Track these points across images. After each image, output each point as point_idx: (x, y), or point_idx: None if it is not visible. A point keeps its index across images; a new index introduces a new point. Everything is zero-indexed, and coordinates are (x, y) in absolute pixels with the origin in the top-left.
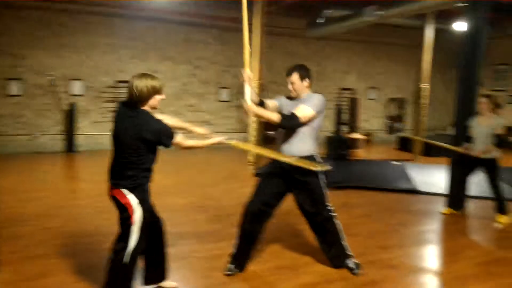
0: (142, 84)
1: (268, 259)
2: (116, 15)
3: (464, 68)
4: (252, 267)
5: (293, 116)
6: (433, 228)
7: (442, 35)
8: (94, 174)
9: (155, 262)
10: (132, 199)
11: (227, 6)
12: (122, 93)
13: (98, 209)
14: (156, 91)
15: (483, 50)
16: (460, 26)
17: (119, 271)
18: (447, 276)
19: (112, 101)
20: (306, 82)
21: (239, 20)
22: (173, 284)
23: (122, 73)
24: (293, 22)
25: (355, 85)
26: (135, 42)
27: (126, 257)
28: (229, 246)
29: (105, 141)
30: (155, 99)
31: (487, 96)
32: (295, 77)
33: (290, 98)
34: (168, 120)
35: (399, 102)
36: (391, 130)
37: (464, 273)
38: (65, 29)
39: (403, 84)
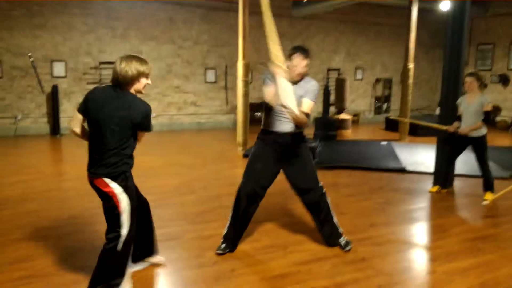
0: (127, 67)
1: (259, 238)
2: None
3: (449, 47)
4: (243, 246)
5: (308, 115)
6: (420, 206)
7: (428, 14)
8: (78, 156)
9: (144, 242)
10: (116, 188)
11: None
12: (105, 74)
13: (82, 191)
14: (141, 74)
15: (467, 29)
16: (445, 5)
17: (114, 259)
18: (434, 251)
19: (95, 83)
20: (306, 64)
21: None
22: (161, 258)
23: (104, 54)
24: (279, 1)
25: (342, 65)
26: (116, 22)
27: (120, 245)
28: (220, 226)
29: None
30: (141, 83)
31: (473, 74)
32: (299, 58)
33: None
34: None
35: (386, 82)
36: (378, 110)
37: (451, 249)
38: (41, 9)
39: (390, 64)
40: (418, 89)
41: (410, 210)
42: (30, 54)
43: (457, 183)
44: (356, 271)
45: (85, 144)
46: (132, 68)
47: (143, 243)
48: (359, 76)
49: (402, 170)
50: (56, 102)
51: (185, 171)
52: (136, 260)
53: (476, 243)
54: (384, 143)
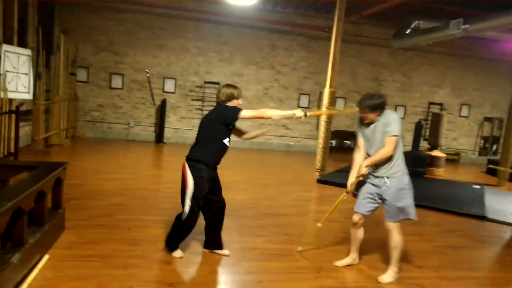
0: (223, 91)
1: (298, 259)
2: (207, 20)
3: None
4: (281, 263)
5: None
6: (486, 256)
7: None
8: (173, 163)
9: (212, 233)
10: (189, 174)
11: (314, 15)
12: (209, 93)
13: (164, 193)
14: (233, 97)
15: None
16: None
17: (176, 226)
18: None
19: (199, 100)
20: (378, 114)
21: (324, 29)
22: (226, 252)
23: (210, 75)
24: (380, 32)
25: (447, 100)
26: (223, 46)
27: (183, 216)
28: (265, 241)
29: (190, 135)
30: (233, 103)
31: None
32: (365, 113)
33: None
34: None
35: (496, 122)
36: (484, 151)
37: None
38: (162, 32)
39: (503, 103)
40: None
41: (471, 259)
42: (147, 70)
43: None
44: None
45: (181, 154)
46: (228, 92)
47: (211, 233)
48: (464, 113)
49: (483, 217)
50: (163, 114)
51: (255, 189)
52: (206, 247)
53: None
54: (477, 186)
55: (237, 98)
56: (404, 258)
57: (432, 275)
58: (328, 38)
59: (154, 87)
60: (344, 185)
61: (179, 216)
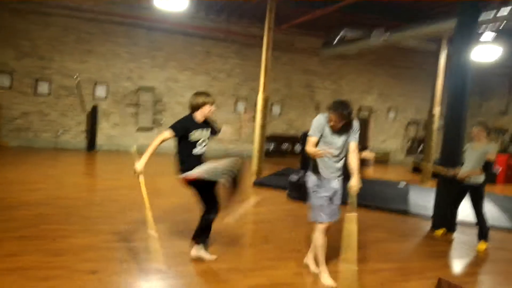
0: (191, 99)
1: (229, 260)
2: (139, 26)
3: (451, 97)
4: (213, 264)
5: None
6: (406, 248)
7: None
8: (104, 171)
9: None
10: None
11: (247, 23)
12: (142, 99)
13: (92, 202)
14: (202, 104)
15: (469, 78)
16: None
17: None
18: None
19: (133, 105)
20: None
21: (257, 37)
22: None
23: (143, 80)
24: (310, 41)
25: (374, 105)
26: (157, 52)
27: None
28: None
29: (124, 143)
30: (205, 109)
31: (481, 124)
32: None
33: None
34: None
35: (419, 124)
36: (410, 151)
37: None
38: (90, 36)
39: (425, 108)
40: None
41: (392, 251)
42: (77, 75)
43: (462, 229)
44: None
45: (113, 162)
46: (195, 100)
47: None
48: (391, 116)
49: (405, 212)
50: (95, 121)
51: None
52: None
53: None
54: (402, 184)
55: (210, 104)
56: (330, 253)
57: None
58: (260, 45)
59: (84, 93)
60: (279, 187)
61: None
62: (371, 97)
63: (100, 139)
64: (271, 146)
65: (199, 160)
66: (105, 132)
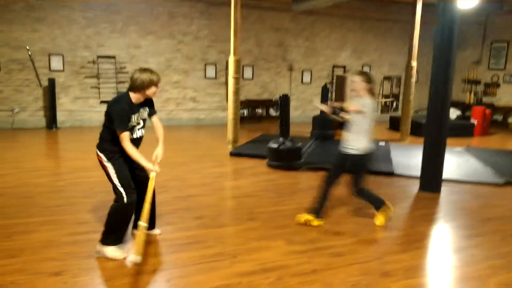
0: (136, 76)
1: (213, 245)
2: None
3: (437, 51)
4: (192, 252)
5: None
6: (397, 213)
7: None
8: (67, 151)
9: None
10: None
11: None
12: (104, 68)
13: (51, 187)
14: (152, 83)
15: (456, 33)
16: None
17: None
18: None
19: (93, 77)
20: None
21: None
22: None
23: (103, 48)
24: None
25: (348, 62)
26: (115, 16)
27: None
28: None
29: (87, 118)
30: (151, 90)
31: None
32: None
33: None
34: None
35: (395, 81)
36: (386, 109)
37: (410, 264)
38: (41, 3)
39: (400, 63)
40: (424, 88)
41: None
42: (27, 47)
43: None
44: (301, 285)
45: (77, 139)
46: (141, 77)
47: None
48: None
49: (391, 174)
50: (53, 96)
51: (163, 169)
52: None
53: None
54: (382, 143)
55: (155, 84)
56: (323, 226)
57: (349, 241)
58: (228, 4)
59: (38, 66)
60: (258, 156)
61: None
62: (345, 53)
63: (61, 116)
64: (245, 112)
65: (137, 145)
66: (65, 107)
